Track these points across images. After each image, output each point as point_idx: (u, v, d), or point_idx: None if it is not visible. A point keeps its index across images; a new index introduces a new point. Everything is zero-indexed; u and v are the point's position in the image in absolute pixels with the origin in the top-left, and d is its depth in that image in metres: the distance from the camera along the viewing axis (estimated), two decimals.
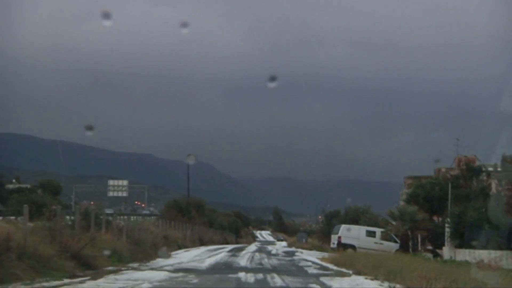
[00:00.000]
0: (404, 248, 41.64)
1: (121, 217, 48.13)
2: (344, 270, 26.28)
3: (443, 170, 74.05)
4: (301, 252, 48.48)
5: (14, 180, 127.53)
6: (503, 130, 36.97)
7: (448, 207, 42.42)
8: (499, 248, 36.86)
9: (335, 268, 27.90)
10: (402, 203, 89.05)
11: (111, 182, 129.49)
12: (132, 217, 55.77)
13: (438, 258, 38.45)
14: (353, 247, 44.53)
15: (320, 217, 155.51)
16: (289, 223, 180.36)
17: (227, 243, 78.37)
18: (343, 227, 47.02)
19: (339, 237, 45.55)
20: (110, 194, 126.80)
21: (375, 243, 44.94)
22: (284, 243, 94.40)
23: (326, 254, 44.11)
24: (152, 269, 23.01)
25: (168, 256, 27.69)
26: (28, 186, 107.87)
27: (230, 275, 20.91)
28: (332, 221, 66.61)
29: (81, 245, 21.09)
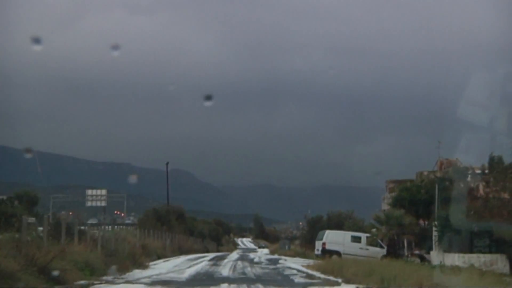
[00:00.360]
0: (391, 253, 40.32)
1: (102, 227, 46.15)
2: (332, 278, 24.83)
3: (425, 173, 73.35)
4: (285, 260, 46.83)
5: None
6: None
7: (434, 210, 41.29)
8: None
9: (322, 276, 26.41)
10: (384, 207, 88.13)
11: (89, 192, 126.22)
12: (113, 226, 53.38)
13: (427, 263, 37.24)
14: (338, 253, 43.12)
15: (301, 223, 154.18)
16: (270, 230, 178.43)
17: (208, 251, 76.63)
18: (327, 232, 45.50)
19: (324, 243, 44.04)
20: (89, 204, 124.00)
21: (361, 248, 43.52)
22: (266, 250, 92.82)
23: (311, 261, 42.59)
24: (127, 281, 21.22)
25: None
26: (4, 197, 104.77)
27: (212, 287, 19.35)
28: (315, 227, 65.17)
29: (49, 258, 19.37)
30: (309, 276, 26.36)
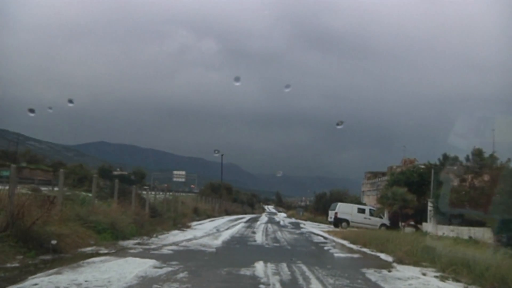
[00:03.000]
0: (393, 224, 28.76)
1: (155, 192, 35.28)
2: (370, 252, 13.59)
3: (394, 167, 62.30)
4: (304, 224, 35.48)
5: (118, 169, 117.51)
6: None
7: (426, 190, 29.72)
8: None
9: (355, 247, 15.15)
10: (364, 189, 75.46)
11: (175, 172, 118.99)
12: (174, 192, 42.54)
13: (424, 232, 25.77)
14: (347, 221, 31.68)
15: (304, 198, 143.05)
16: (285, 201, 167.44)
17: (246, 213, 65.63)
18: (339, 204, 34.01)
19: (336, 213, 32.61)
20: (174, 179, 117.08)
21: (365, 218, 32.03)
22: (284, 214, 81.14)
23: (325, 227, 31.35)
24: (145, 249, 10.31)
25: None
26: (126, 173, 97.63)
27: (243, 271, 8.28)
28: (321, 200, 53.57)
29: (31, 219, 8.72)
30: (343, 248, 15.05)
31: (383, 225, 31.11)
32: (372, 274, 8.95)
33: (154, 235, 13.87)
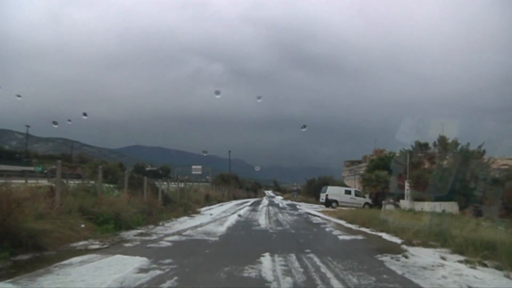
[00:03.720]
0: (376, 203, 25.81)
1: (167, 182, 32.04)
2: (371, 232, 10.70)
3: (368, 155, 59.34)
4: (299, 205, 32.44)
5: (149, 166, 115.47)
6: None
7: (402, 172, 26.79)
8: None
9: (354, 227, 12.24)
10: (344, 174, 72.28)
11: (193, 166, 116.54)
12: (186, 182, 39.19)
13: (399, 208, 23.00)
14: (336, 201, 28.73)
15: (295, 183, 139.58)
16: (281, 186, 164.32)
17: (250, 197, 62.70)
18: (330, 188, 30.97)
19: (327, 195, 29.64)
20: (193, 173, 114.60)
21: (351, 198, 29.07)
22: (280, 197, 77.96)
23: (318, 207, 28.37)
24: (139, 244, 7.36)
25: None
26: (155, 168, 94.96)
27: (247, 270, 5.39)
28: (311, 184, 50.50)
29: (6, 214, 5.91)
30: (342, 228, 12.10)
31: (366, 203, 28.24)
32: (392, 264, 6.09)
33: (161, 223, 10.98)
